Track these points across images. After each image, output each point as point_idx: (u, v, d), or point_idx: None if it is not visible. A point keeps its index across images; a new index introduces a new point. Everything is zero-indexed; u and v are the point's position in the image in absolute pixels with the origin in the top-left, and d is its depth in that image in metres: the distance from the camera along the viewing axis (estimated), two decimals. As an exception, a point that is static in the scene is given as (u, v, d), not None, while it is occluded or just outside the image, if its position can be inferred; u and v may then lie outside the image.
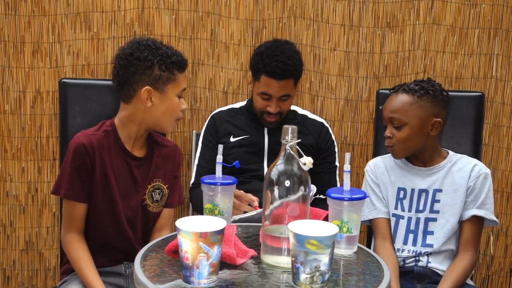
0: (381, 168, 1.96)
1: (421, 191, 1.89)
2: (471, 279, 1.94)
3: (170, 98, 1.73)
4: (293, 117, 2.24)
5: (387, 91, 2.25)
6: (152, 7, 2.46)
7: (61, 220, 1.79)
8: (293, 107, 2.26)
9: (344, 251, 1.45)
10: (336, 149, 2.25)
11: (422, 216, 1.87)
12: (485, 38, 2.54)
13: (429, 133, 1.85)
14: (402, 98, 1.85)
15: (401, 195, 1.91)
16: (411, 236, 1.88)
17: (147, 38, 1.76)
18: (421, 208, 1.88)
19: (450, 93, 1.92)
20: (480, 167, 1.88)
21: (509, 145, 2.60)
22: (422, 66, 2.56)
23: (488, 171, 1.89)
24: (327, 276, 1.20)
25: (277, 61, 2.04)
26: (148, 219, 1.81)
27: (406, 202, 1.90)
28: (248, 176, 2.13)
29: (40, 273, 2.62)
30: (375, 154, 2.21)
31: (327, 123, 2.25)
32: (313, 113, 2.31)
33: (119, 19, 2.46)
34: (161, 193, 1.82)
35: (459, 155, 1.93)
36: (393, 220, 1.91)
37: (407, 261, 1.87)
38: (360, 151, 2.62)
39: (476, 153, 2.13)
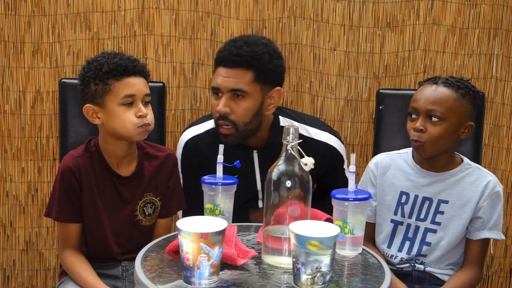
0: (384, 169, 1.85)
1: (425, 198, 1.80)
2: None
3: (112, 110, 1.66)
4: (253, 131, 1.81)
5: (387, 91, 2.25)
6: (152, 7, 2.46)
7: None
8: (283, 122, 1.88)
9: (348, 252, 1.44)
10: (345, 160, 1.99)
11: (422, 225, 1.80)
12: (485, 38, 2.54)
13: (460, 135, 1.75)
14: (445, 92, 1.71)
15: (403, 200, 1.82)
16: (407, 243, 1.81)
17: (99, 54, 1.74)
18: (422, 216, 1.80)
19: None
20: (494, 184, 1.78)
21: (509, 145, 2.60)
22: (422, 66, 2.56)
23: (501, 187, 1.80)
24: (328, 277, 1.20)
25: (232, 46, 1.71)
26: (142, 233, 1.81)
27: (407, 208, 1.81)
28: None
29: (40, 273, 2.62)
30: (375, 154, 2.20)
31: (329, 123, 2.06)
32: (315, 115, 2.05)
33: (119, 19, 2.46)
34: (153, 206, 1.81)
35: (473, 165, 1.82)
36: (390, 225, 1.83)
37: (403, 267, 1.82)
38: (360, 151, 2.62)
39: (476, 153, 2.13)
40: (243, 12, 2.50)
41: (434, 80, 1.76)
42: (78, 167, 1.71)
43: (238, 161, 1.61)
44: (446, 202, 1.78)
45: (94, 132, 2.08)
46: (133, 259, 1.71)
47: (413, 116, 1.75)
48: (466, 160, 1.83)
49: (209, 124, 1.90)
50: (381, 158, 1.90)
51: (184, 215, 1.90)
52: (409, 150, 1.88)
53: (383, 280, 1.30)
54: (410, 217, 1.81)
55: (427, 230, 1.79)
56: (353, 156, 1.48)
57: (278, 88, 1.80)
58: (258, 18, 2.50)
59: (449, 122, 1.70)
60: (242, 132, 1.77)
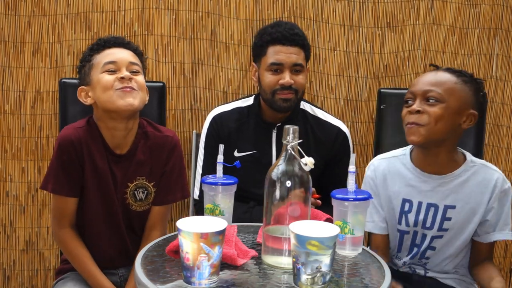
0: (383, 175, 1.74)
1: (429, 205, 1.68)
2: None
3: (96, 80, 1.67)
4: (303, 119, 2.02)
5: (388, 91, 2.25)
6: (152, 7, 2.46)
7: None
8: (303, 105, 2.06)
9: (348, 252, 1.44)
10: (352, 154, 2.04)
11: (429, 233, 1.70)
12: (485, 38, 2.54)
13: (461, 124, 1.62)
14: (445, 76, 1.61)
15: (406, 208, 1.70)
16: (415, 249, 1.74)
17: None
18: (428, 225, 1.69)
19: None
20: (502, 182, 1.66)
21: (509, 145, 2.60)
22: (422, 66, 2.56)
23: (508, 184, 1.68)
24: (328, 277, 1.20)
25: (284, 28, 1.91)
26: (131, 218, 1.75)
27: (411, 216, 1.70)
28: (248, 200, 1.95)
29: (40, 273, 2.62)
30: (375, 154, 2.20)
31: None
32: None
33: (119, 19, 2.46)
34: (145, 191, 1.74)
35: (478, 162, 1.70)
36: (397, 235, 1.75)
37: (400, 264, 1.79)
38: (360, 151, 2.62)
39: (477, 153, 2.13)
40: (243, 12, 2.50)
41: (437, 67, 1.70)
42: (79, 138, 1.67)
43: (238, 161, 1.67)
44: (453, 207, 1.67)
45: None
46: (130, 265, 1.71)
47: (409, 102, 1.65)
48: (469, 157, 1.71)
49: (237, 104, 2.08)
50: (378, 163, 1.78)
51: (198, 202, 2.03)
52: (407, 150, 1.78)
53: (383, 280, 1.30)
54: (415, 225, 1.71)
55: (434, 238, 1.71)
56: (353, 156, 1.48)
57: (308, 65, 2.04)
58: (258, 18, 2.50)
59: (448, 105, 1.59)
60: (299, 99, 1.97)
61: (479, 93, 1.66)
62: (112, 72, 1.66)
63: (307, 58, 1.98)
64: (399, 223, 1.72)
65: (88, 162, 1.68)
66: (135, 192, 1.73)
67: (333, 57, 2.56)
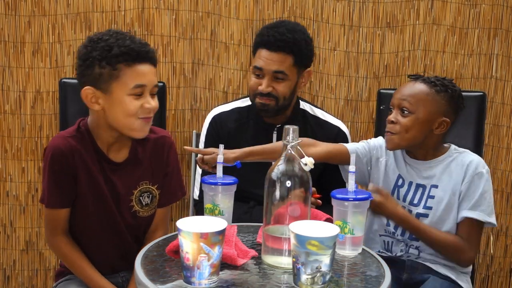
0: (385, 150, 1.87)
1: (418, 185, 1.82)
2: (472, 280, 1.91)
3: (118, 99, 1.52)
4: (303, 119, 2.03)
5: (388, 91, 2.25)
6: (152, 7, 2.46)
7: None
8: (302, 105, 2.06)
9: (348, 252, 1.44)
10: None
11: (414, 210, 1.80)
12: (485, 38, 2.54)
13: (434, 130, 1.77)
14: (419, 87, 1.76)
15: (400, 183, 1.84)
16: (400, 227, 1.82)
17: (104, 32, 1.56)
18: (415, 201, 1.81)
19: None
20: (476, 164, 1.78)
21: (509, 145, 2.60)
22: (422, 66, 2.56)
23: (485, 169, 1.79)
24: (328, 277, 1.20)
25: (275, 31, 1.85)
26: (139, 225, 1.71)
27: (402, 191, 1.83)
28: (248, 200, 1.95)
29: (40, 273, 2.62)
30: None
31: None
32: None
33: (119, 19, 2.46)
34: (150, 195, 1.69)
35: (461, 150, 1.84)
36: None
37: (397, 251, 1.83)
38: (360, 151, 2.62)
39: (477, 153, 2.13)
40: (243, 12, 2.50)
41: (415, 77, 1.81)
42: (70, 148, 1.57)
43: (239, 161, 1.69)
44: (436, 186, 1.80)
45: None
46: (132, 268, 1.70)
47: (391, 110, 1.80)
48: (453, 146, 1.85)
49: (236, 104, 2.07)
50: (379, 139, 1.92)
51: (198, 202, 2.00)
52: None
53: (383, 280, 1.30)
54: (404, 200, 1.83)
55: (419, 215, 1.80)
56: (353, 156, 1.48)
57: (308, 69, 2.00)
58: (258, 18, 2.50)
59: (417, 115, 1.74)
60: (280, 106, 1.94)
61: (454, 101, 1.78)
62: (138, 96, 1.54)
63: (300, 64, 1.93)
64: (392, 194, 1.83)
65: (82, 172, 1.60)
66: (140, 198, 1.68)
67: (333, 57, 2.56)
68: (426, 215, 1.80)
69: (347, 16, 2.53)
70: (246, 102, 2.07)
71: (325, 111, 2.13)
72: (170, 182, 1.74)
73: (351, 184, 1.46)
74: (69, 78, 2.21)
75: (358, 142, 1.93)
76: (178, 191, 1.77)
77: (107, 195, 1.63)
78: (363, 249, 1.48)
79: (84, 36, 2.44)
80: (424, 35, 2.54)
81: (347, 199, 1.42)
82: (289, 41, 1.86)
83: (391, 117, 1.77)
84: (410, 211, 1.81)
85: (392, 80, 2.57)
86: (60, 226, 1.65)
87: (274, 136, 2.01)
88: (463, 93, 2.10)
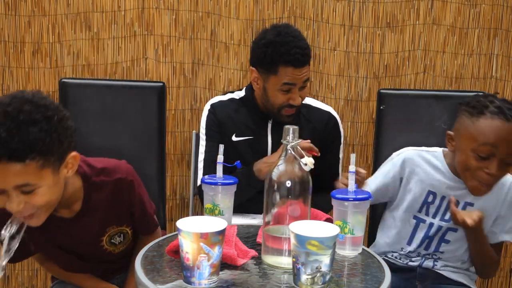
0: (413, 166, 1.79)
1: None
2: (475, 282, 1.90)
3: None
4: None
5: (388, 91, 2.24)
6: (152, 7, 2.46)
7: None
8: None
9: (348, 252, 1.44)
10: (342, 139, 2.13)
11: (445, 225, 1.75)
12: (485, 38, 2.54)
13: None
14: None
15: (430, 199, 1.77)
16: (426, 241, 1.79)
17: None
18: (447, 217, 1.75)
19: (450, 93, 1.90)
20: None
21: (509, 145, 2.60)
22: (422, 66, 2.56)
23: None
24: (328, 277, 1.20)
25: (295, 47, 1.90)
26: (114, 260, 1.66)
27: (432, 208, 1.77)
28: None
29: (40, 273, 2.62)
30: (375, 154, 2.21)
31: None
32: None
33: (119, 19, 2.46)
34: (121, 234, 1.62)
35: None
36: (412, 222, 1.80)
37: (413, 259, 1.81)
38: (360, 151, 2.62)
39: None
40: (243, 12, 2.50)
41: (504, 115, 1.61)
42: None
43: (239, 161, 1.70)
44: (472, 204, 1.74)
45: (95, 132, 2.08)
46: (126, 271, 1.69)
47: (484, 156, 1.62)
48: None
49: (231, 95, 2.13)
50: (410, 155, 1.82)
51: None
52: (439, 152, 1.81)
53: (383, 280, 1.30)
54: (434, 217, 1.77)
55: (448, 229, 1.76)
56: (353, 156, 1.48)
57: None
58: (258, 18, 2.50)
59: None
60: (300, 108, 2.02)
61: None
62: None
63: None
64: (419, 211, 1.78)
65: (30, 234, 1.44)
66: (112, 240, 1.61)
67: (333, 57, 2.56)
68: (455, 229, 1.76)
69: (347, 16, 2.53)
70: (239, 94, 2.13)
71: (316, 100, 2.19)
72: (143, 218, 1.65)
73: (351, 184, 1.46)
74: (69, 78, 2.21)
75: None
76: (152, 226, 1.69)
77: (70, 248, 1.59)
78: (363, 249, 1.48)
79: (84, 36, 2.44)
80: (424, 35, 2.54)
81: (347, 199, 1.42)
82: (309, 53, 1.95)
83: (494, 170, 1.61)
84: (440, 227, 1.76)
85: (392, 80, 2.57)
86: (39, 259, 1.68)
87: (269, 124, 2.06)
88: (462, 93, 2.10)
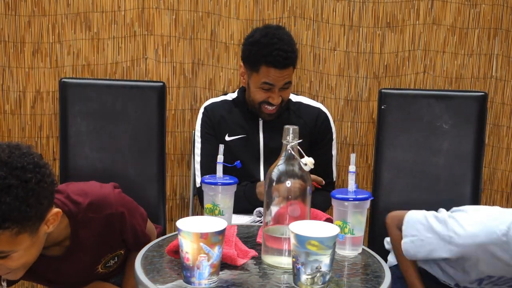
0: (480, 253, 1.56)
1: (508, 280, 1.62)
2: None
3: None
4: (286, 106, 2.13)
5: (389, 91, 2.24)
6: (152, 7, 2.46)
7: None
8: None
9: (348, 252, 1.45)
10: (334, 136, 2.18)
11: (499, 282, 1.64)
12: (485, 38, 2.54)
13: None
14: None
15: (486, 280, 1.65)
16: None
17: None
18: (501, 284, 1.65)
19: (451, 93, 1.89)
20: None
21: (509, 145, 2.60)
22: (422, 66, 2.56)
23: None
24: (328, 277, 1.20)
25: (278, 49, 1.95)
26: (108, 277, 1.65)
27: (487, 286, 1.67)
28: (243, 181, 2.01)
29: (40, 273, 2.62)
30: (375, 154, 2.20)
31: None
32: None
33: (119, 19, 2.46)
34: (115, 257, 1.58)
35: None
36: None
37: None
38: (360, 151, 2.62)
39: (478, 153, 2.13)
40: (243, 12, 2.50)
41: None
42: None
43: (239, 161, 1.72)
44: None
45: (95, 132, 2.08)
46: (119, 274, 1.67)
47: None
48: None
49: (224, 97, 2.19)
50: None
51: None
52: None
53: (383, 280, 1.30)
54: (487, 284, 1.68)
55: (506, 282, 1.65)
56: (353, 156, 1.48)
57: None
58: (258, 18, 2.50)
59: None
60: (283, 107, 2.09)
61: None
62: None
63: (295, 66, 2.06)
64: (470, 283, 1.69)
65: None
66: (107, 264, 1.57)
67: (333, 57, 2.56)
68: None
69: (347, 16, 2.53)
70: (232, 96, 2.19)
71: (307, 98, 2.25)
72: (135, 243, 1.59)
73: (351, 184, 1.46)
74: (69, 78, 2.21)
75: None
76: (143, 243, 1.56)
77: (62, 281, 1.54)
78: (363, 249, 1.48)
79: (84, 36, 2.44)
80: (424, 35, 2.54)
81: (347, 199, 1.42)
82: (292, 56, 1.99)
83: None
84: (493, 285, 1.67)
85: (392, 80, 2.57)
86: None
87: (260, 123, 2.12)
88: (464, 93, 2.07)
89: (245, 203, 1.95)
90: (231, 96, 2.20)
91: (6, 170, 1.19)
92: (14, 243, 1.23)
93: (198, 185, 2.13)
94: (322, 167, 2.09)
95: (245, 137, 2.11)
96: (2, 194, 1.17)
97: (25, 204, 1.20)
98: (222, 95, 2.23)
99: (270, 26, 2.09)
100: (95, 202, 1.44)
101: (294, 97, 2.19)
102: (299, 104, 2.17)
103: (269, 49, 1.96)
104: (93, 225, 1.44)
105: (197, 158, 2.14)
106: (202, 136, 2.15)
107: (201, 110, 2.18)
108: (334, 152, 2.18)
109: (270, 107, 2.04)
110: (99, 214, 1.44)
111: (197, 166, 2.14)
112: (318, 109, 2.17)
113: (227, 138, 2.10)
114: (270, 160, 1.36)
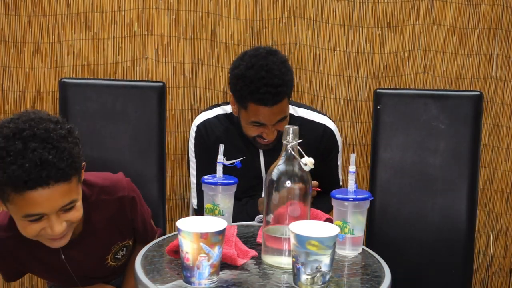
0: None
1: None
2: (472, 281, 1.86)
3: (15, 217, 1.31)
4: (288, 123, 1.94)
5: (385, 91, 2.24)
6: (152, 7, 2.46)
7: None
8: (294, 108, 2.04)
9: (348, 252, 1.45)
10: (340, 148, 2.08)
11: None
12: (485, 38, 2.54)
13: None
14: None
15: None
16: None
17: (11, 120, 1.28)
18: None
19: (447, 93, 1.87)
20: None
21: (509, 145, 2.60)
22: (422, 66, 2.56)
23: None
24: (328, 277, 1.20)
25: (266, 85, 1.73)
26: (116, 271, 1.65)
27: None
28: (240, 198, 1.92)
29: (40, 273, 2.62)
30: (373, 154, 2.20)
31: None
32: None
33: (119, 19, 2.46)
34: (124, 248, 1.59)
35: None
36: None
37: None
38: (360, 151, 2.62)
39: (474, 153, 2.13)
40: (243, 12, 2.50)
41: None
42: (5, 243, 1.41)
43: (239, 161, 1.68)
44: None
45: (95, 132, 2.08)
46: (120, 275, 1.68)
47: None
48: None
49: (218, 110, 2.03)
50: None
51: (198, 212, 2.00)
52: None
53: (383, 280, 1.30)
54: None
55: None
56: (353, 156, 1.48)
57: None
58: (258, 18, 2.50)
59: None
60: (280, 135, 1.84)
61: None
62: (35, 220, 1.29)
63: (290, 95, 1.88)
64: None
65: (29, 259, 1.47)
66: (116, 255, 1.59)
67: (333, 57, 2.56)
68: None
69: (347, 16, 2.53)
70: (226, 110, 2.03)
71: (310, 108, 2.08)
72: (144, 231, 1.63)
73: (351, 184, 1.46)
74: (69, 78, 2.21)
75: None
76: (151, 235, 1.66)
77: (74, 269, 1.55)
78: (363, 249, 1.48)
79: (84, 36, 2.44)
80: (424, 35, 2.54)
81: (347, 199, 1.42)
82: (283, 90, 1.78)
83: None
84: None
85: (392, 80, 2.57)
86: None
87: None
88: (459, 93, 2.06)
89: (245, 217, 1.85)
90: (224, 109, 2.02)
91: (51, 123, 1.27)
92: (78, 191, 1.33)
93: (195, 206, 2.07)
94: (328, 176, 2.02)
95: (244, 159, 1.97)
96: (62, 143, 1.24)
97: (77, 148, 1.30)
98: (214, 106, 2.08)
99: (259, 52, 1.83)
100: (109, 185, 1.50)
101: (296, 111, 2.03)
102: (302, 120, 1.99)
103: (255, 85, 1.74)
104: (105, 208, 1.48)
105: (193, 179, 2.05)
106: (197, 158, 2.02)
107: (193, 127, 2.02)
108: (339, 161, 2.10)
109: (265, 140, 1.87)
110: (112, 196, 1.49)
111: (193, 187, 2.05)
112: (323, 126, 2.01)
113: (225, 161, 1.86)
114: (283, 179, 1.29)
